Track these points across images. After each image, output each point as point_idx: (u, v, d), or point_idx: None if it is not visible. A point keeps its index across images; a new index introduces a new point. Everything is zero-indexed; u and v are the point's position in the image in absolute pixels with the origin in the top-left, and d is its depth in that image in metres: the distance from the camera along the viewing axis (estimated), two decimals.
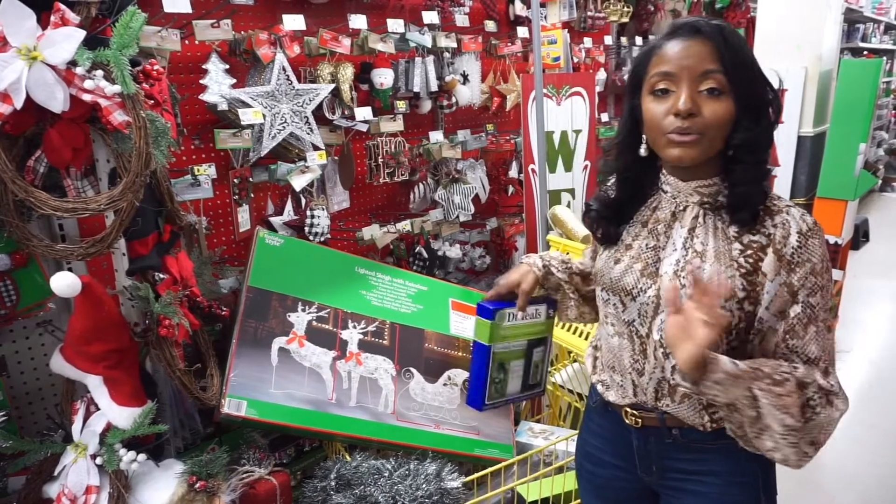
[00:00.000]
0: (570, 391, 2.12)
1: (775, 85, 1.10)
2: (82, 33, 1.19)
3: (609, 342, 1.17)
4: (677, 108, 0.98)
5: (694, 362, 0.91)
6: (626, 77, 3.87)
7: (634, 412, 1.14)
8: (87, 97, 1.20)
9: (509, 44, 3.01)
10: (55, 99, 1.18)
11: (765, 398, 0.94)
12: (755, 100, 1.00)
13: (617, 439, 1.20)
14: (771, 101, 1.03)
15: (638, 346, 1.12)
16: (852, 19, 6.80)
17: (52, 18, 1.18)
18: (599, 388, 1.22)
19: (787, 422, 0.94)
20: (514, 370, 1.35)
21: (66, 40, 1.17)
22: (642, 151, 1.09)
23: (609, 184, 1.23)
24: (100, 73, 1.21)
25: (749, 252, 1.02)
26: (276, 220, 2.18)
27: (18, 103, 1.15)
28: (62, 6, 1.19)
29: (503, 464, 1.70)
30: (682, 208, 1.08)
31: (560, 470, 1.73)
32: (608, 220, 1.17)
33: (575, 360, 2.16)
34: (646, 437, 1.15)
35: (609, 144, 1.19)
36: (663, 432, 1.12)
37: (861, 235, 5.57)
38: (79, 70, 1.19)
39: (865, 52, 7.22)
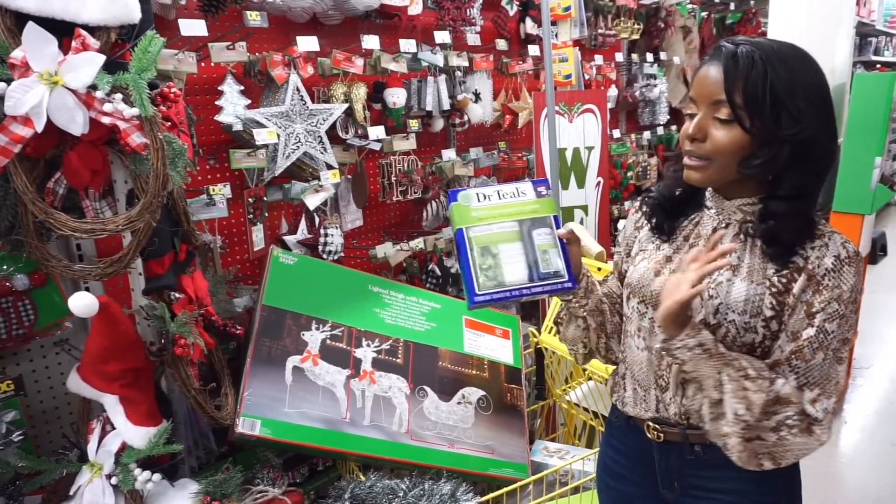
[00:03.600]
0: (586, 409, 2.10)
1: None
2: (102, 58, 1.21)
3: (636, 355, 1.17)
4: (686, 132, 1.04)
5: (669, 315, 0.98)
6: (637, 94, 3.88)
7: (657, 426, 1.14)
8: (106, 120, 1.22)
9: (521, 62, 3.03)
10: (75, 122, 1.20)
11: (729, 384, 0.97)
12: (772, 131, 0.96)
13: (638, 455, 1.19)
14: (809, 132, 0.95)
15: (667, 360, 1.10)
16: (864, 33, 6.78)
17: (74, 44, 1.20)
18: (619, 405, 1.22)
19: (740, 412, 0.97)
20: (507, 255, 1.17)
21: (86, 65, 1.19)
22: None
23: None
24: (119, 96, 1.23)
25: (784, 272, 1.01)
26: (290, 239, 2.19)
27: (39, 127, 1.17)
28: (83, 32, 1.21)
29: (518, 484, 1.68)
30: (724, 225, 1.09)
31: (576, 490, 1.70)
32: (666, 212, 1.17)
33: (590, 378, 2.14)
34: (667, 453, 1.14)
35: (673, 154, 1.20)
36: (685, 448, 1.11)
37: (879, 250, 5.50)
38: (98, 94, 1.21)
39: (878, 66, 7.19)
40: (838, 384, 1.01)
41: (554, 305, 2.16)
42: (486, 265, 1.16)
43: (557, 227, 1.21)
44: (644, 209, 1.21)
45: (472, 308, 1.16)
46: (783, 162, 0.98)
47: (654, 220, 1.18)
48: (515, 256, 1.18)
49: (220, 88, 1.95)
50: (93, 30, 1.25)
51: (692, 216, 1.15)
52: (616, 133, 3.73)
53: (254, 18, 1.95)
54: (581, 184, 2.98)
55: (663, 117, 3.99)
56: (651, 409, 1.14)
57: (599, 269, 2.03)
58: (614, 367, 1.29)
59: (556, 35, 3.05)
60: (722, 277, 1.04)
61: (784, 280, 1.01)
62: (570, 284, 1.17)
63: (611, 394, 1.26)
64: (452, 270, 2.65)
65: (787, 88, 0.95)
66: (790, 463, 0.99)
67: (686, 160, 1.05)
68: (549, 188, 1.26)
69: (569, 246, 1.19)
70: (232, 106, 1.94)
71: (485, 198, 1.21)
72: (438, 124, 2.63)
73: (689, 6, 4.28)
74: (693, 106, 1.04)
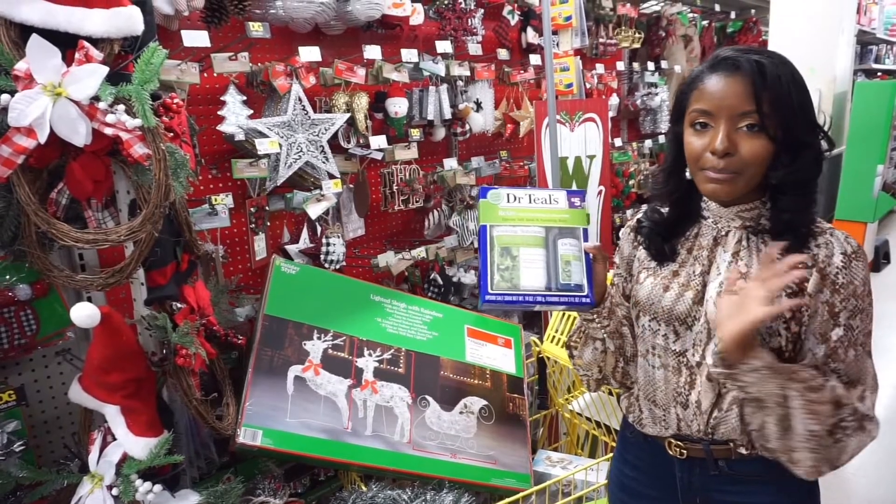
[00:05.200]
0: (588, 419, 2.09)
1: None
2: (105, 70, 1.22)
3: (652, 375, 1.15)
4: (713, 148, 1.00)
5: (739, 338, 0.93)
6: (638, 102, 3.89)
7: (679, 443, 1.12)
8: (108, 131, 1.23)
9: (522, 71, 3.04)
10: (78, 133, 1.21)
11: (797, 400, 0.94)
12: (795, 137, 0.99)
13: (656, 471, 1.18)
14: (815, 135, 1.02)
15: (686, 376, 1.10)
16: (865, 41, 6.81)
17: (77, 55, 1.21)
18: (637, 426, 1.20)
19: (812, 427, 0.95)
20: (527, 259, 1.14)
21: (89, 76, 1.19)
22: (688, 175, 1.11)
23: (653, 204, 1.21)
24: (121, 107, 1.24)
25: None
26: (291, 248, 2.19)
27: (42, 138, 1.18)
28: (86, 44, 1.22)
29: (521, 494, 1.67)
30: (724, 233, 1.09)
31: (580, 500, 1.69)
32: (662, 238, 1.15)
33: None
34: (690, 469, 1.12)
35: (656, 170, 1.18)
36: (709, 464, 1.10)
37: (882, 257, 5.49)
38: (101, 105, 1.21)
39: (879, 74, 7.21)
40: (875, 377, 1.02)
41: (556, 316, 2.16)
42: (503, 265, 1.14)
43: (586, 241, 1.17)
44: (640, 240, 1.20)
45: (483, 306, 1.14)
46: (806, 164, 1.00)
47: (652, 249, 1.16)
48: (535, 262, 1.15)
49: (222, 99, 1.95)
50: (96, 41, 1.26)
51: (691, 229, 1.14)
52: (618, 142, 3.73)
53: (256, 29, 1.96)
54: None
55: (664, 125, 4.00)
56: (672, 427, 1.13)
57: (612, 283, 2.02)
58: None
59: (557, 44, 3.06)
60: (736, 287, 1.03)
61: (795, 281, 1.01)
62: (588, 300, 1.13)
63: (626, 414, 1.24)
64: (454, 279, 2.65)
65: (801, 95, 0.99)
66: (846, 463, 0.99)
67: (711, 174, 1.02)
68: (583, 200, 1.23)
69: (595, 263, 1.15)
70: (234, 116, 1.95)
71: (515, 199, 1.20)
72: (440, 133, 2.64)
73: (690, 15, 4.30)
74: (708, 119, 1.01)
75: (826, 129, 1.04)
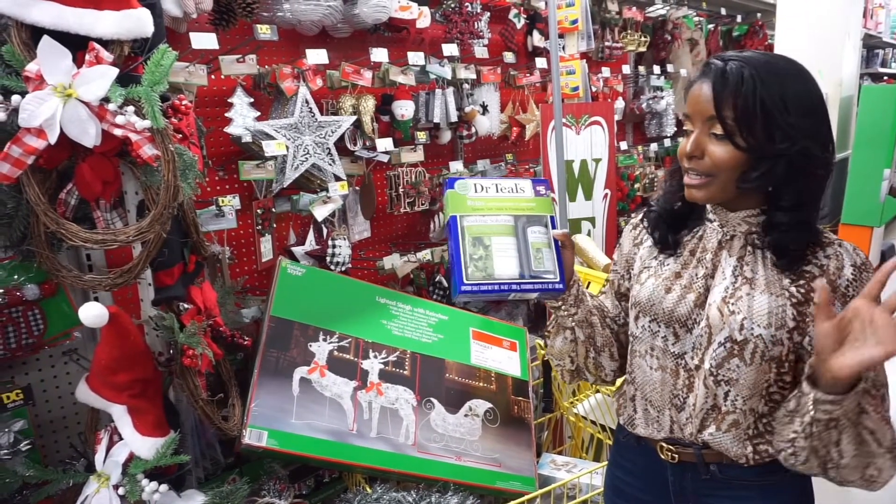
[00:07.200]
0: (593, 422, 2.08)
1: None
2: (115, 71, 1.22)
3: (648, 376, 1.14)
4: (683, 150, 1.02)
5: (862, 370, 0.83)
6: (644, 106, 3.88)
7: (671, 447, 1.12)
8: (118, 132, 1.23)
9: (528, 74, 3.04)
10: (87, 134, 1.22)
11: (872, 409, 0.89)
12: (765, 146, 0.95)
13: (650, 475, 1.17)
14: (793, 143, 0.94)
15: (683, 379, 1.09)
16: (871, 45, 6.79)
17: (87, 57, 1.21)
18: (629, 426, 1.19)
19: (886, 431, 0.90)
20: (499, 248, 1.16)
21: (100, 78, 1.20)
22: None
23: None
24: (131, 108, 1.24)
25: (801, 282, 1.00)
26: (297, 250, 2.20)
27: (52, 139, 1.19)
28: (97, 45, 1.23)
29: (526, 497, 1.67)
30: (728, 237, 1.07)
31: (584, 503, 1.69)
32: (668, 226, 1.14)
33: (598, 391, 2.13)
34: (682, 473, 1.12)
35: (672, 168, 1.18)
36: (700, 468, 1.10)
37: None
38: (111, 106, 1.22)
39: (886, 78, 7.19)
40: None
41: None
42: (476, 255, 1.15)
43: (554, 228, 1.20)
44: (645, 224, 1.19)
45: (458, 297, 1.15)
46: (780, 175, 0.96)
47: (656, 235, 1.15)
48: (507, 250, 1.17)
49: (229, 101, 1.96)
50: (106, 43, 1.27)
51: (695, 229, 1.13)
52: (623, 145, 3.73)
53: (264, 32, 1.97)
54: (588, 196, 2.99)
55: (670, 129, 3.99)
56: (665, 430, 1.12)
57: (607, 279, 2.02)
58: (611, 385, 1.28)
59: (563, 48, 3.06)
60: (741, 292, 1.02)
61: (802, 290, 1.00)
62: (560, 286, 1.16)
63: (617, 414, 1.24)
64: None
65: (778, 103, 0.94)
66: None
67: (687, 179, 1.03)
68: (548, 188, 1.26)
69: (563, 249, 1.18)
70: (241, 118, 1.96)
71: (482, 189, 1.22)
72: (446, 136, 2.64)
73: (696, 18, 4.30)
74: (689, 123, 1.03)
75: (815, 135, 0.96)
